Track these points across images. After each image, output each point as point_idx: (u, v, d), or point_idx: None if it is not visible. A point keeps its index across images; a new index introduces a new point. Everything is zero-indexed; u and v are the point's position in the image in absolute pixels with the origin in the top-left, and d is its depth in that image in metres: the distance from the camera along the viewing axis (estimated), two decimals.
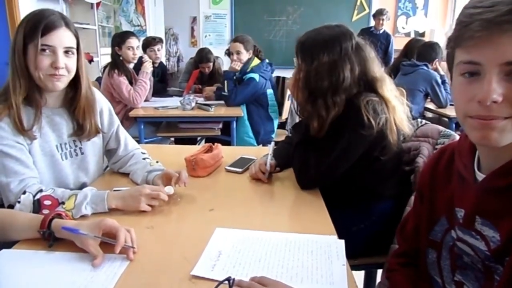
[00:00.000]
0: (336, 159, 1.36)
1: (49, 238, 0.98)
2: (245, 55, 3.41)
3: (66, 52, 1.24)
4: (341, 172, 1.38)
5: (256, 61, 3.41)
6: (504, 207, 0.68)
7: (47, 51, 1.20)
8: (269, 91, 3.43)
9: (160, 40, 4.08)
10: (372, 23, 6.01)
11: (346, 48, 1.35)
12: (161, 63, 4.54)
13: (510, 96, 0.62)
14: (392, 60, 5.37)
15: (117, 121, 1.54)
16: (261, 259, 0.96)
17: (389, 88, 1.39)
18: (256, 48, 3.49)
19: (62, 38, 1.22)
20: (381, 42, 5.65)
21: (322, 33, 1.39)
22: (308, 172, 1.38)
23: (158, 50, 4.08)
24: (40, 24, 1.18)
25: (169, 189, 1.26)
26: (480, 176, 0.74)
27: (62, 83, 1.26)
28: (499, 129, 0.65)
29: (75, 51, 1.27)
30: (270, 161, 1.49)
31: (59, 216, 1.03)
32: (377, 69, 1.41)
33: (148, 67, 3.32)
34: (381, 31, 5.77)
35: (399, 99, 1.41)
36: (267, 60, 3.55)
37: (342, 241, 1.03)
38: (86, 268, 0.90)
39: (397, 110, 1.37)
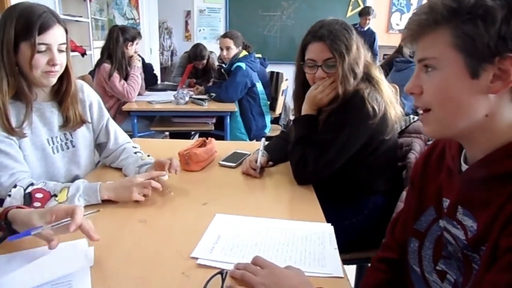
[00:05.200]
0: (335, 153, 1.36)
1: (4, 229, 0.91)
2: (234, 51, 3.44)
3: (60, 48, 1.24)
4: (338, 167, 1.39)
5: (243, 53, 3.42)
6: (484, 198, 0.70)
7: (43, 49, 1.20)
8: (258, 85, 3.43)
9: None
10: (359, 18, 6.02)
11: (355, 34, 1.42)
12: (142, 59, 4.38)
13: (425, 88, 0.73)
14: (377, 56, 5.41)
15: (106, 114, 1.54)
16: (258, 243, 1.01)
17: (377, 69, 1.46)
18: (245, 44, 3.48)
19: (57, 35, 1.22)
20: (365, 40, 5.67)
21: (334, 24, 1.41)
22: (306, 167, 1.38)
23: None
24: (34, 23, 1.17)
25: (164, 176, 1.26)
26: (464, 168, 0.77)
27: (55, 78, 1.28)
28: (426, 122, 0.76)
29: (65, 46, 1.27)
30: (261, 157, 1.49)
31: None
32: (368, 55, 1.47)
33: (137, 61, 3.31)
34: (365, 29, 5.80)
35: (384, 81, 1.45)
36: (259, 55, 3.55)
37: (332, 227, 1.10)
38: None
39: (387, 91, 1.42)
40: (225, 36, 3.47)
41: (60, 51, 1.24)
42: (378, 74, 1.43)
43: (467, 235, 0.72)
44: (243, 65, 3.29)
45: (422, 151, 1.42)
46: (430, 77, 0.71)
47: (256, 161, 1.48)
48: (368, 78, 1.41)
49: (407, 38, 0.74)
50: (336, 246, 1.01)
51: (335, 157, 1.37)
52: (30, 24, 1.17)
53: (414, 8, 5.81)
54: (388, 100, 1.39)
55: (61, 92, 1.35)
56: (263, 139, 1.61)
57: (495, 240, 0.66)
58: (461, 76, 0.67)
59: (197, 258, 0.93)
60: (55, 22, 1.22)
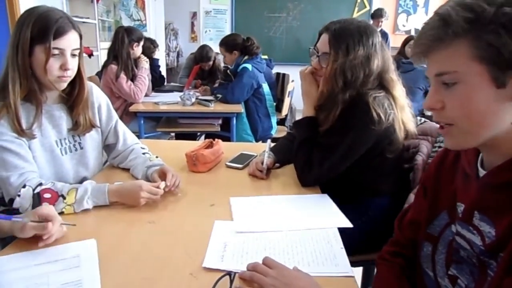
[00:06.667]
0: (340, 157, 1.36)
1: None
2: (229, 57, 3.47)
3: (73, 53, 1.25)
4: (343, 169, 1.39)
5: (248, 57, 3.42)
6: (503, 204, 0.69)
7: (57, 54, 1.21)
8: (265, 86, 3.44)
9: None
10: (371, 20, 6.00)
11: (375, 43, 1.36)
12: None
13: (447, 103, 0.70)
14: None
15: (115, 116, 1.55)
16: (267, 248, 1.01)
17: (400, 90, 1.41)
18: (246, 45, 3.42)
19: (71, 41, 1.23)
20: None
21: (354, 24, 1.37)
22: (311, 170, 1.38)
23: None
24: (50, 28, 1.18)
25: (161, 185, 1.25)
26: (482, 173, 0.76)
27: (66, 83, 1.29)
28: (450, 136, 0.74)
29: (79, 51, 1.28)
30: (267, 159, 1.50)
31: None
32: (394, 70, 1.42)
33: (145, 63, 3.33)
34: (377, 30, 5.76)
35: (406, 99, 1.42)
36: (265, 56, 3.55)
37: (335, 227, 1.11)
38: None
39: (405, 109, 1.39)
40: (219, 44, 3.53)
41: (73, 56, 1.25)
42: (398, 93, 1.38)
43: (485, 241, 0.72)
44: (249, 66, 3.29)
45: (430, 153, 1.41)
46: (452, 92, 0.69)
47: (262, 163, 1.48)
48: (384, 89, 1.37)
49: (419, 53, 0.72)
50: (342, 245, 1.02)
51: (339, 161, 1.37)
52: (47, 28, 1.18)
53: (420, 8, 5.75)
54: (400, 119, 1.36)
55: (73, 96, 1.36)
56: (269, 140, 1.61)
57: None
58: (486, 87, 0.65)
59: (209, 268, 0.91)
60: (70, 28, 1.23)
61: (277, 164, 1.57)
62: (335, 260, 0.96)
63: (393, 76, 1.40)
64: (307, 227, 1.11)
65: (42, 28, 1.18)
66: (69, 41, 1.22)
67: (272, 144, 1.63)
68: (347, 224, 1.15)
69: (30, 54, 1.20)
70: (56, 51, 1.20)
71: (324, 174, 1.38)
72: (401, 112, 1.38)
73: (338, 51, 1.33)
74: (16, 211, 1.15)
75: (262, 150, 1.62)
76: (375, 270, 1.02)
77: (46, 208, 0.98)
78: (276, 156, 1.57)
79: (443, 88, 0.70)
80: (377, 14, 5.67)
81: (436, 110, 0.72)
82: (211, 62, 4.36)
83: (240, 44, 3.42)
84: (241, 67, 3.32)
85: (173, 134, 3.75)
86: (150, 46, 3.92)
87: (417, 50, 0.72)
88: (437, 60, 0.70)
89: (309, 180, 1.41)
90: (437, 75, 0.70)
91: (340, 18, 1.42)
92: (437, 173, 0.90)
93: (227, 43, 3.47)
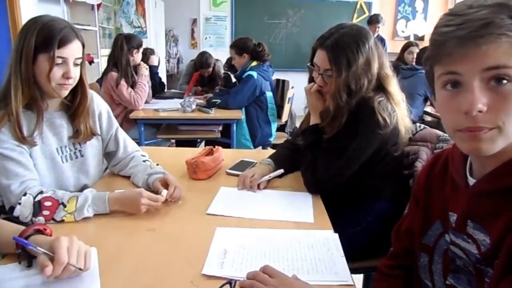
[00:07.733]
0: (346, 161, 1.36)
1: (25, 259, 0.91)
2: (238, 60, 3.46)
3: (75, 62, 1.27)
4: (349, 174, 1.38)
5: (256, 63, 3.42)
6: (494, 211, 0.70)
7: (60, 62, 1.22)
8: (269, 94, 3.44)
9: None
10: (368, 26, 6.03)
11: (371, 45, 1.36)
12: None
13: (493, 105, 0.63)
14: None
15: (115, 123, 1.55)
16: (266, 254, 1.00)
17: (395, 84, 1.41)
18: (256, 50, 3.43)
19: (74, 50, 1.25)
20: None
21: (347, 32, 1.36)
22: (315, 174, 1.38)
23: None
24: (55, 37, 1.20)
25: (163, 193, 1.26)
26: (471, 181, 0.76)
27: (67, 91, 1.30)
28: (488, 140, 0.65)
29: (81, 60, 1.30)
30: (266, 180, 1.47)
31: (39, 232, 0.96)
32: (389, 65, 1.42)
33: (144, 70, 3.34)
34: (374, 36, 5.77)
35: (400, 95, 1.43)
36: (268, 63, 3.55)
37: (337, 235, 1.11)
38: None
39: (401, 104, 1.40)
40: (230, 46, 3.51)
41: (75, 65, 1.27)
42: (393, 88, 1.39)
43: (480, 249, 0.72)
44: (254, 74, 3.29)
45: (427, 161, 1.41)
46: (503, 91, 0.62)
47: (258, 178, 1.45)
48: (382, 89, 1.39)
49: (454, 57, 0.63)
50: (342, 253, 1.02)
51: (346, 165, 1.37)
52: (51, 37, 1.20)
53: (419, 14, 5.73)
54: (400, 116, 1.38)
55: (75, 105, 1.37)
56: (282, 170, 1.52)
57: (509, 251, 0.65)
58: None
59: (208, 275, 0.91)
60: (74, 37, 1.25)
61: (281, 170, 1.52)
62: (334, 268, 0.95)
63: (388, 71, 1.41)
64: (274, 218, 1.22)
65: (47, 37, 1.20)
66: (72, 50, 1.24)
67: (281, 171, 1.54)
68: (310, 219, 1.22)
69: (33, 62, 1.21)
70: (59, 60, 1.22)
71: (331, 179, 1.38)
72: (398, 108, 1.38)
73: (340, 67, 1.32)
74: (17, 219, 1.15)
75: (262, 157, 1.62)
76: (372, 283, 1.02)
77: (60, 243, 0.85)
78: (278, 165, 1.55)
79: (489, 87, 0.63)
80: (374, 20, 5.68)
81: (480, 113, 0.63)
82: (210, 69, 4.37)
83: (251, 48, 3.41)
84: (246, 74, 3.32)
85: (173, 140, 3.76)
86: (147, 56, 3.92)
87: (463, 33, 0.61)
88: (495, 50, 0.60)
89: (315, 184, 1.41)
90: (492, 68, 0.61)
91: (330, 28, 1.40)
92: (427, 183, 0.89)
93: (238, 46, 3.46)
